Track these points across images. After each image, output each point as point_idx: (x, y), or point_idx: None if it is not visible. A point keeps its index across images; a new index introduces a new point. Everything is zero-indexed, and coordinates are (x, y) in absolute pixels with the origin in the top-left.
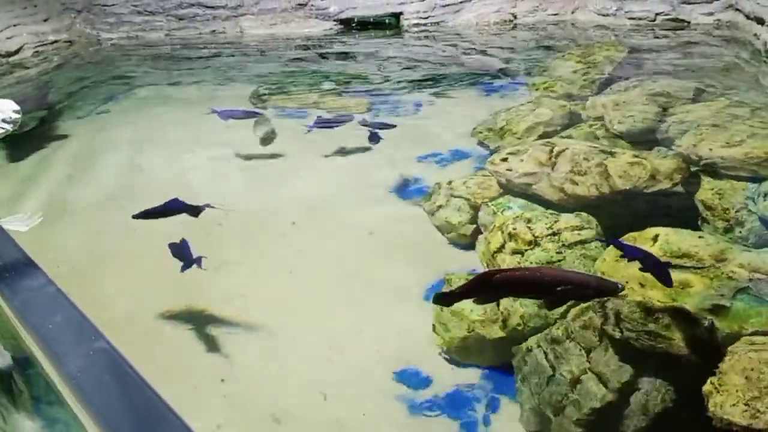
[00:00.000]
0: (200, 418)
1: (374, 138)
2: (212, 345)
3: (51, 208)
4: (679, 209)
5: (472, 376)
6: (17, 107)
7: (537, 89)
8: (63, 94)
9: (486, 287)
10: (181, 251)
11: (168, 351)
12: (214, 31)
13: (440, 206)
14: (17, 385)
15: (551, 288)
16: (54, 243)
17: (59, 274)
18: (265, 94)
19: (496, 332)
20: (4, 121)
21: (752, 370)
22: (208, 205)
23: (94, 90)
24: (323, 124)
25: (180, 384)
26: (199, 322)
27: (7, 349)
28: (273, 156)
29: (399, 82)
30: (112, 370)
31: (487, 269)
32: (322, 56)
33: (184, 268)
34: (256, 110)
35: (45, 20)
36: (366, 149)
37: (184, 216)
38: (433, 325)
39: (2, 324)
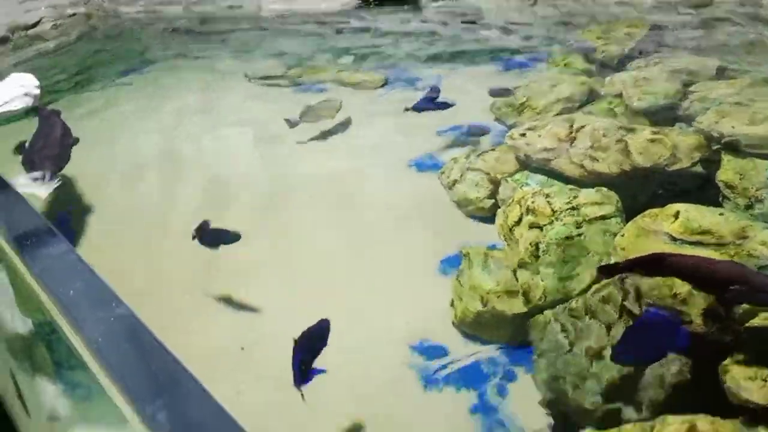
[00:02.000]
0: (220, 387)
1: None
2: (231, 314)
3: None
4: (699, 187)
5: (488, 348)
6: (38, 81)
7: (557, 65)
8: (81, 67)
9: (655, 266)
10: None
11: (187, 320)
12: (231, 6)
13: (457, 180)
14: (40, 351)
15: (725, 284)
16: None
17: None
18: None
19: (514, 306)
20: (26, 95)
21: None
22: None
23: (113, 63)
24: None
25: (199, 352)
26: (218, 291)
27: (29, 316)
28: (292, 130)
29: (417, 57)
30: (133, 336)
31: (505, 243)
32: (339, 31)
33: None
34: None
35: None
36: (384, 123)
37: (203, 189)
38: (451, 299)
39: (24, 291)
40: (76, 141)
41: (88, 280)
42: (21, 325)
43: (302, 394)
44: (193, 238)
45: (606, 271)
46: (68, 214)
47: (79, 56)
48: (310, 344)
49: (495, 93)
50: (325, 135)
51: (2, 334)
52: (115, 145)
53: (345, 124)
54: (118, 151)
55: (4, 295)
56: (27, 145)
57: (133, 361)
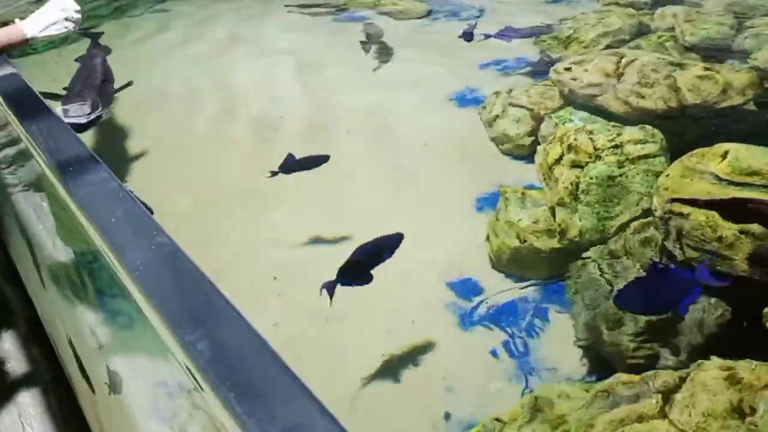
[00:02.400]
0: (256, 317)
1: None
2: (266, 245)
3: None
4: (750, 126)
5: (524, 286)
6: (78, 6)
7: None
8: None
9: (734, 209)
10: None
11: (224, 249)
12: None
13: (498, 116)
14: (81, 278)
15: None
16: (112, 143)
17: (120, 172)
18: None
19: (550, 243)
20: (66, 19)
21: None
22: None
23: None
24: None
25: (236, 281)
26: (255, 222)
27: (70, 245)
28: (331, 61)
29: None
30: (173, 264)
31: (544, 183)
32: None
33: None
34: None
35: None
36: (426, 54)
37: (244, 120)
38: (487, 235)
39: (66, 218)
40: (129, 83)
41: (128, 208)
42: (63, 253)
43: (331, 297)
44: (276, 173)
45: (680, 200)
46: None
47: None
48: (375, 250)
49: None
50: (365, 66)
51: (45, 262)
52: (156, 76)
53: (386, 55)
54: (160, 82)
55: (47, 222)
56: (69, 85)
57: (173, 289)
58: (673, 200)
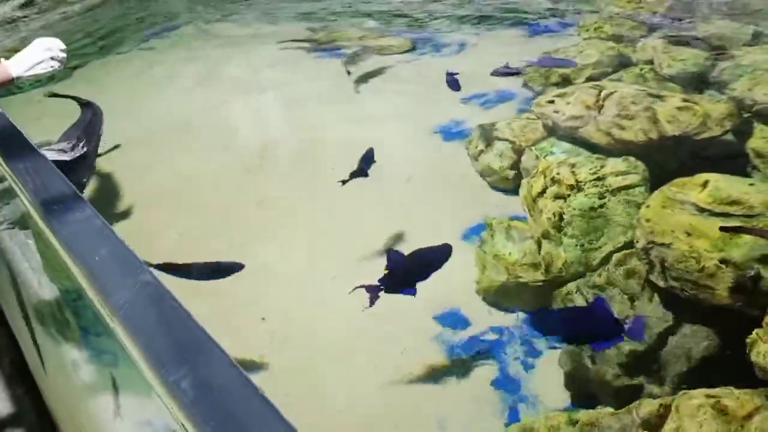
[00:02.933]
0: (244, 354)
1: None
2: (252, 280)
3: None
4: (729, 156)
5: (511, 319)
6: (64, 45)
7: (586, 30)
8: (107, 30)
9: None
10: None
11: (208, 285)
12: None
13: (482, 150)
14: (66, 317)
15: None
16: (99, 181)
17: (105, 213)
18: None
19: (537, 276)
20: (53, 59)
21: None
22: None
23: (138, 26)
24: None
25: (222, 321)
26: (241, 257)
27: (56, 282)
28: (316, 96)
29: (443, 20)
30: (158, 302)
31: (528, 214)
32: None
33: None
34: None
35: None
36: (411, 89)
37: (230, 155)
38: (474, 268)
39: (51, 256)
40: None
41: (113, 246)
42: (48, 291)
43: (372, 302)
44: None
45: (728, 229)
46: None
47: (105, 19)
48: (424, 260)
49: (498, 73)
50: (351, 101)
51: (30, 301)
52: (144, 112)
53: (372, 90)
54: (147, 118)
55: (32, 261)
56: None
57: (157, 328)
58: (722, 228)
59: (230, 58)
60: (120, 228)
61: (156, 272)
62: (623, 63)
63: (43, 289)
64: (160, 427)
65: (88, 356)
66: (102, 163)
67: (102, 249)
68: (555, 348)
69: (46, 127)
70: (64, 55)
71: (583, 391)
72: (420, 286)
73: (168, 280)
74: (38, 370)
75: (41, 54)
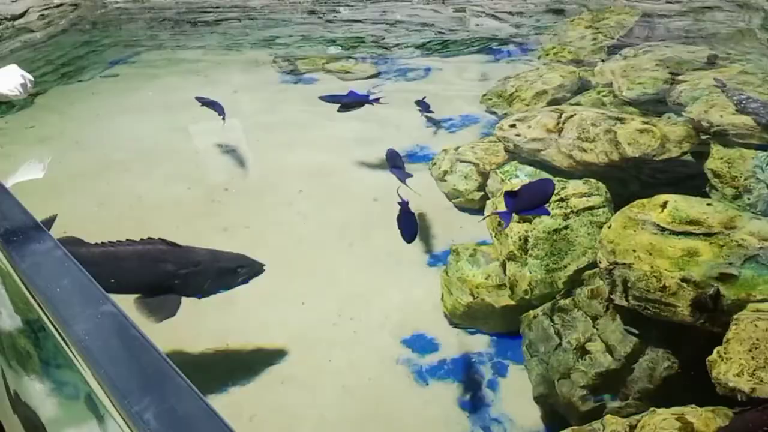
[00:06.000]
0: (209, 381)
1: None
2: (216, 309)
3: (56, 174)
4: (688, 177)
5: (479, 341)
6: (30, 76)
7: (547, 55)
8: (69, 58)
9: None
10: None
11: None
12: None
13: (447, 172)
14: (27, 348)
15: None
16: (62, 209)
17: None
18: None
19: (502, 299)
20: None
21: (757, 339)
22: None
23: (100, 54)
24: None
25: (187, 350)
26: None
27: (17, 313)
28: (281, 122)
29: (407, 46)
30: (120, 333)
31: (494, 238)
32: (329, 21)
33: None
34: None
35: None
36: (376, 114)
37: (193, 183)
38: (441, 292)
39: (11, 287)
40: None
41: (74, 277)
42: (9, 321)
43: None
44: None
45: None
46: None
47: (67, 47)
48: (540, 189)
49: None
50: (315, 126)
51: None
52: (105, 140)
53: (336, 115)
54: (108, 147)
55: None
56: None
57: (119, 359)
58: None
59: (194, 85)
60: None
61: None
62: (583, 87)
63: (4, 320)
64: None
65: (50, 389)
66: (63, 191)
67: (63, 280)
68: (523, 367)
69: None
70: (31, 84)
71: (553, 413)
72: (387, 311)
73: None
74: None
75: (13, 78)
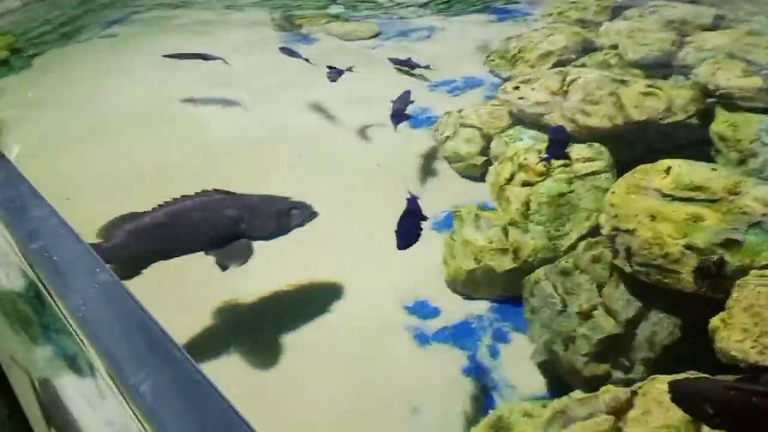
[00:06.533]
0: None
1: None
2: (219, 279)
3: (58, 135)
4: (693, 141)
5: (481, 307)
6: None
7: (551, 14)
8: (67, 17)
9: None
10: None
11: (174, 284)
12: None
13: (450, 137)
14: (27, 314)
15: None
16: (63, 174)
17: (68, 205)
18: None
19: (505, 263)
20: None
21: (761, 305)
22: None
23: (99, 13)
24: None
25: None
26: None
27: (16, 279)
28: (282, 84)
29: (409, 6)
30: (117, 304)
31: (497, 203)
32: None
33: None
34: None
35: None
36: (378, 76)
37: (193, 147)
38: (443, 257)
39: (11, 254)
40: None
41: (70, 245)
42: (14, 283)
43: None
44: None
45: None
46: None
47: (64, 6)
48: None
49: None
50: (315, 88)
51: None
52: (103, 104)
53: (337, 76)
54: (107, 110)
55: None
56: None
57: (116, 330)
58: None
59: (194, 46)
60: (78, 224)
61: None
62: (587, 48)
63: (10, 281)
64: (121, 428)
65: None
66: (60, 156)
67: (61, 247)
68: (526, 334)
69: None
70: None
71: (557, 377)
72: (390, 277)
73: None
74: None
75: None
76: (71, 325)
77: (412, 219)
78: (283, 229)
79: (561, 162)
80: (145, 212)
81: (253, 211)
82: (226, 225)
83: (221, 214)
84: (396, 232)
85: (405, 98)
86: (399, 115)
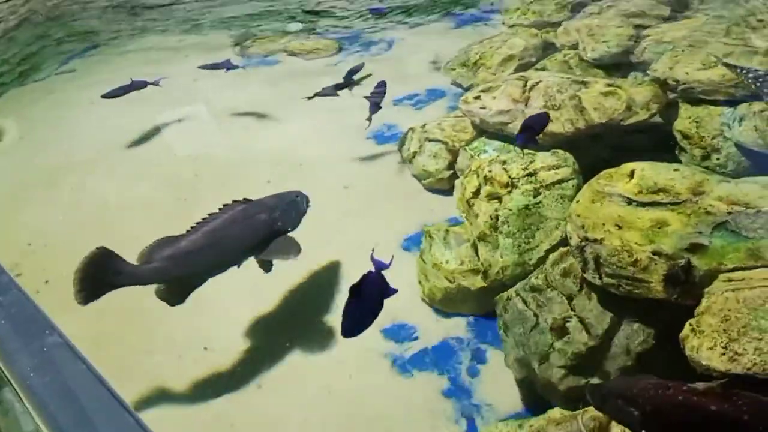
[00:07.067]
0: (188, 389)
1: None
2: (193, 311)
3: (18, 177)
4: (658, 139)
5: (457, 326)
6: None
7: (510, 16)
8: (24, 54)
9: None
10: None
11: (149, 322)
12: None
13: (415, 152)
14: None
15: None
16: (26, 218)
17: (31, 251)
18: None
19: (477, 281)
20: None
21: (729, 310)
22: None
23: (56, 48)
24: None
25: (164, 353)
26: None
27: None
28: (246, 107)
29: (368, 18)
30: (67, 367)
31: (464, 217)
32: None
33: None
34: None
35: None
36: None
37: (159, 179)
38: (418, 278)
39: None
40: None
41: (20, 306)
42: None
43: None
44: None
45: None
46: None
47: (21, 43)
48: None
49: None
50: (280, 109)
51: None
52: (65, 140)
53: (300, 99)
54: (69, 146)
55: None
56: None
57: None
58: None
59: (154, 75)
60: (43, 268)
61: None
62: (548, 48)
63: None
64: None
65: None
66: (24, 200)
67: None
68: (501, 351)
69: None
70: None
71: (534, 395)
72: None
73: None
74: None
75: None
76: (19, 391)
77: (367, 298)
78: (301, 216)
79: (525, 173)
80: (182, 236)
81: (277, 209)
82: (265, 228)
83: (257, 220)
84: (344, 311)
85: (381, 91)
86: (374, 106)
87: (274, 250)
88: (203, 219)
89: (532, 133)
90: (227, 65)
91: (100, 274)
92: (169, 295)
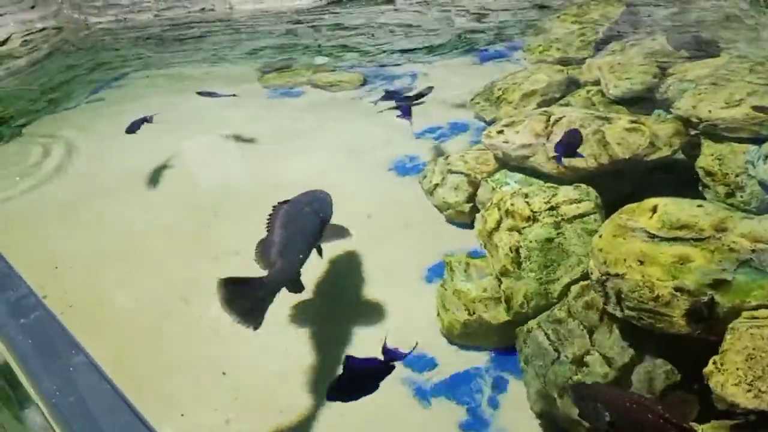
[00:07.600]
0: (207, 415)
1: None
2: (213, 338)
3: (47, 202)
4: (680, 175)
5: (477, 357)
6: None
7: (533, 53)
8: (55, 83)
9: None
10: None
11: (169, 346)
12: (203, 8)
13: (438, 184)
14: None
15: None
16: (53, 242)
17: (57, 273)
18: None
19: (499, 314)
20: None
21: (754, 348)
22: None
23: (86, 77)
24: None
25: (183, 378)
26: (195, 316)
27: None
28: (270, 137)
29: (393, 52)
30: (92, 387)
31: (485, 250)
32: (315, 28)
33: None
34: None
35: (32, 7)
36: (364, 125)
37: (183, 207)
38: (437, 309)
39: None
40: None
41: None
42: None
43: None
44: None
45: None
46: None
47: (52, 72)
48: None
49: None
50: (303, 140)
51: None
52: (92, 168)
53: (326, 129)
54: (97, 174)
55: None
56: None
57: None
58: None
59: (182, 104)
60: (69, 291)
61: None
62: (572, 85)
63: None
64: None
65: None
66: (50, 225)
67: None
68: (522, 383)
69: None
70: None
71: (556, 428)
72: (386, 328)
73: None
74: None
75: None
76: (44, 410)
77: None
78: (331, 207)
79: (547, 206)
80: (269, 235)
81: (314, 202)
82: (316, 218)
83: (308, 212)
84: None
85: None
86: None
87: (331, 234)
88: (270, 215)
89: (572, 149)
90: (223, 93)
91: (247, 303)
92: (293, 286)
